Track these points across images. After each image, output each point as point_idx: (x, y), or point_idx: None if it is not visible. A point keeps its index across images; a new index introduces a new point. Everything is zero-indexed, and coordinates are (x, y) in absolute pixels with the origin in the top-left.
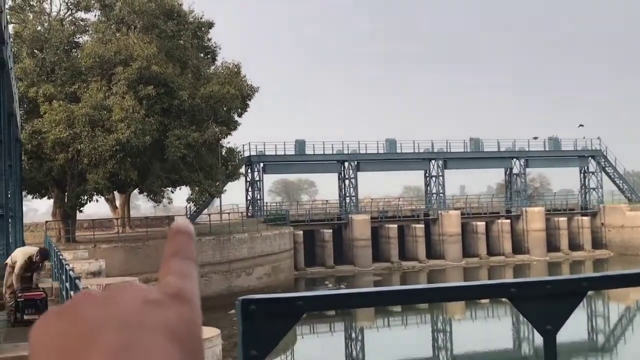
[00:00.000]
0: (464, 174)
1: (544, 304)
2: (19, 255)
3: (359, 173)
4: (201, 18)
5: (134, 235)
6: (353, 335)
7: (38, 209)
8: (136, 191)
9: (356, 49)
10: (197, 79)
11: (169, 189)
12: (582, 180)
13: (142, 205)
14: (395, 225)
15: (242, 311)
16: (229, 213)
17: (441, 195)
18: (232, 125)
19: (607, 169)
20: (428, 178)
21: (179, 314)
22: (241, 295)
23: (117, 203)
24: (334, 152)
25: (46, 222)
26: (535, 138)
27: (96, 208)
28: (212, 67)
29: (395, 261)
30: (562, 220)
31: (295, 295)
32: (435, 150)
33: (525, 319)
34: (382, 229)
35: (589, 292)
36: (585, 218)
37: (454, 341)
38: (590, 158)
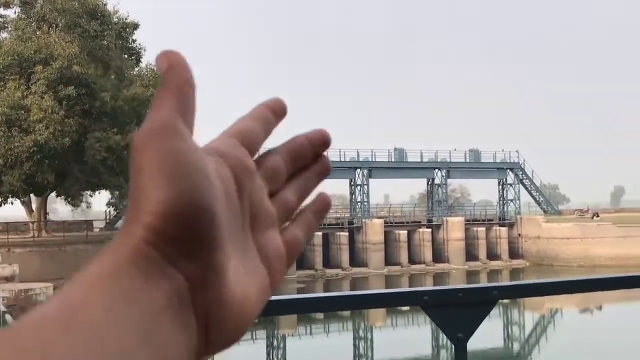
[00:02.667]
0: (388, 183)
1: (456, 312)
2: None
3: None
4: (126, 18)
5: (51, 239)
6: (275, 343)
7: None
8: (53, 194)
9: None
10: (120, 80)
11: (88, 192)
12: (501, 191)
13: (59, 209)
14: (320, 233)
15: None
16: None
17: (365, 203)
18: None
19: (524, 181)
20: (353, 186)
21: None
22: None
23: (33, 206)
24: None
25: None
26: (455, 150)
27: (11, 211)
28: (137, 69)
29: (319, 268)
30: (481, 230)
31: None
32: (360, 159)
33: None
34: None
35: (505, 301)
36: (503, 228)
37: (374, 348)
38: (508, 170)
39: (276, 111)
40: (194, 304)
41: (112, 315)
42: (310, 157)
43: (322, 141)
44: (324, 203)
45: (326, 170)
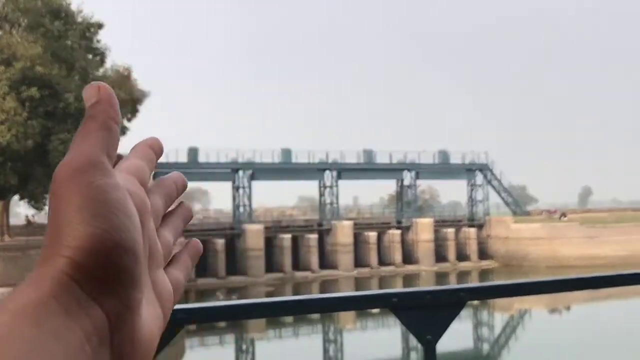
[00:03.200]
0: (357, 185)
1: (424, 314)
2: None
3: (253, 182)
4: (91, 18)
5: (14, 244)
6: (244, 346)
7: None
8: (17, 197)
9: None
10: (84, 81)
11: None
12: (470, 192)
13: (23, 212)
14: (289, 236)
15: None
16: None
17: (335, 205)
18: (120, 131)
19: (492, 182)
20: (322, 188)
21: None
22: None
23: None
24: (228, 161)
25: None
26: (423, 151)
27: None
28: (102, 70)
29: (288, 271)
30: (450, 231)
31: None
32: (329, 161)
33: None
34: (276, 239)
35: (474, 303)
36: (472, 229)
37: (344, 351)
38: (477, 171)
39: (156, 150)
40: (111, 343)
41: (36, 353)
42: (174, 199)
43: (183, 185)
44: (196, 248)
45: (190, 216)
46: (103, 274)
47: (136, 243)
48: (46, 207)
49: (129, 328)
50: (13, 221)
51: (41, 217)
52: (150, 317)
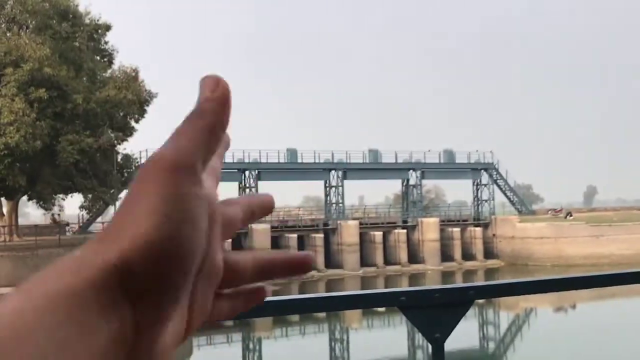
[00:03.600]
0: (363, 185)
1: (433, 313)
2: None
3: (259, 182)
4: (98, 20)
5: (23, 244)
6: (251, 345)
7: None
8: (25, 198)
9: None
10: (92, 82)
11: (61, 196)
12: (475, 192)
13: (31, 212)
14: (295, 235)
15: None
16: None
17: (340, 205)
18: (128, 132)
19: (498, 181)
20: (328, 188)
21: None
22: None
23: (4, 210)
24: (235, 161)
25: None
26: (429, 151)
27: None
28: (109, 71)
29: None
30: (456, 230)
31: None
32: (335, 161)
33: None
34: (282, 239)
35: (480, 301)
36: (477, 229)
37: (350, 350)
38: (482, 171)
39: (226, 148)
40: (129, 352)
41: (58, 349)
42: (257, 217)
43: (269, 206)
44: (260, 297)
45: (305, 267)
46: (149, 280)
47: (193, 259)
48: (54, 208)
49: (151, 340)
50: (21, 221)
51: (50, 218)
52: (172, 333)
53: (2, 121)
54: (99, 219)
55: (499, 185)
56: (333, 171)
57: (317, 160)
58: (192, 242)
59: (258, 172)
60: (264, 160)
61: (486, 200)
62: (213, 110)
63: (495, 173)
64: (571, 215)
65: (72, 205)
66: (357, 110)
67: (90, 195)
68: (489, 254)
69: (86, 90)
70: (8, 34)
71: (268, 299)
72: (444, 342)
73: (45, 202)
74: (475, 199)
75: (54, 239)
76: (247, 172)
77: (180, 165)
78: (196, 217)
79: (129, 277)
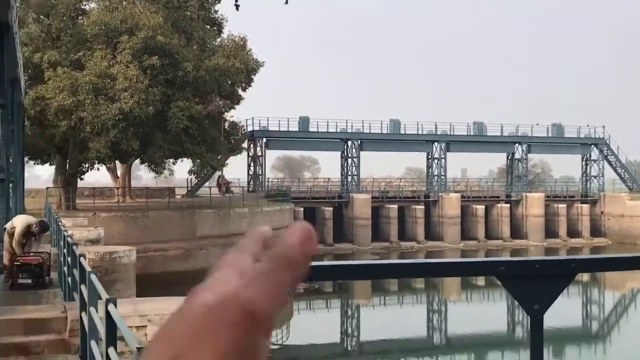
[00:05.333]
0: (466, 157)
1: (532, 284)
2: (18, 223)
3: (361, 153)
4: None
5: (134, 205)
6: (349, 312)
7: (41, 175)
8: (138, 161)
9: (363, 31)
10: (202, 50)
11: (171, 160)
12: (584, 167)
13: (143, 175)
14: (396, 206)
15: None
16: (227, 186)
17: (442, 177)
18: (235, 99)
19: (609, 157)
20: (430, 160)
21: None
22: None
23: (118, 172)
24: (338, 131)
25: (47, 188)
26: (537, 124)
27: (97, 177)
28: (218, 40)
29: (394, 241)
30: (562, 207)
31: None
32: (438, 133)
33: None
34: (383, 209)
35: (585, 278)
36: (584, 206)
37: (448, 321)
38: (593, 146)
39: (307, 255)
40: None
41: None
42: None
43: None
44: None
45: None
46: None
47: None
48: (165, 172)
49: None
50: (134, 184)
51: (160, 181)
52: None
53: (117, 87)
54: (207, 184)
55: (609, 162)
56: (436, 143)
57: (420, 132)
58: None
59: (360, 142)
60: (366, 130)
61: (595, 177)
62: (305, 266)
63: (606, 149)
64: None
65: (181, 170)
66: (466, 86)
67: (198, 161)
68: (595, 231)
69: (196, 58)
70: (124, 3)
71: (371, 261)
72: (543, 314)
73: (156, 165)
74: (584, 174)
75: (164, 202)
76: (349, 142)
77: (261, 315)
78: None
79: None
